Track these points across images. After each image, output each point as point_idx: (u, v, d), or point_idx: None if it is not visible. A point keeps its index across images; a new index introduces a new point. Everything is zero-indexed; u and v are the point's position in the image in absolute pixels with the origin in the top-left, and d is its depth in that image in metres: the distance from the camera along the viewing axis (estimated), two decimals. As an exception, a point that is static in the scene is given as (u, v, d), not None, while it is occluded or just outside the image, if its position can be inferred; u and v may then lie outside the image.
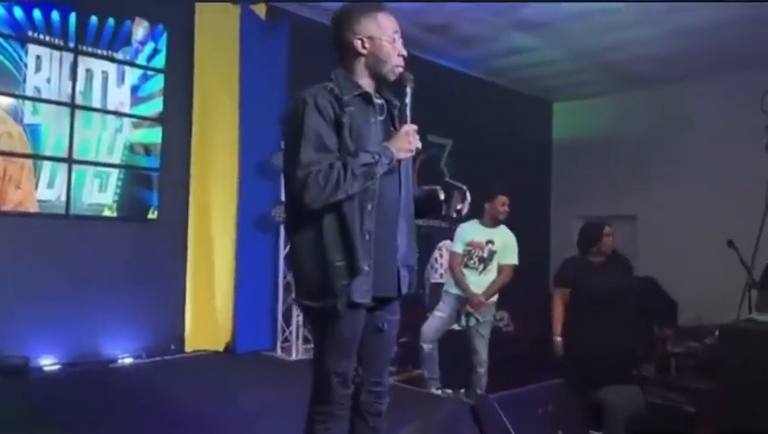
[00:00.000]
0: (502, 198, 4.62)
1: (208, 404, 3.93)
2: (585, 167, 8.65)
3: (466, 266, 4.64)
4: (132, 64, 5.08)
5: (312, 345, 5.55)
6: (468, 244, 4.66)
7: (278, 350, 5.50)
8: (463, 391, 4.61)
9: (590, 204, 8.50)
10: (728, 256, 6.13)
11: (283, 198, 5.50)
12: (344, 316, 1.91)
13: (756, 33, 6.10)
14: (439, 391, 4.50)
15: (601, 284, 4.04)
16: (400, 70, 2.04)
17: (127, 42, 5.04)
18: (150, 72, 5.18)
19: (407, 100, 2.04)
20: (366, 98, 2.02)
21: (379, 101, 2.05)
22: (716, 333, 3.86)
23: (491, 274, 4.61)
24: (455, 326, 4.70)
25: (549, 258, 8.87)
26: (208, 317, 5.35)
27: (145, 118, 5.16)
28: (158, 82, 5.21)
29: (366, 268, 1.90)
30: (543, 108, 9.21)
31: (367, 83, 2.04)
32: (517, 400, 2.74)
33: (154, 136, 5.21)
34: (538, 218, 8.97)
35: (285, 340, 5.54)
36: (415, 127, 2.00)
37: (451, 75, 7.61)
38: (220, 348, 5.39)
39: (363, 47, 2.02)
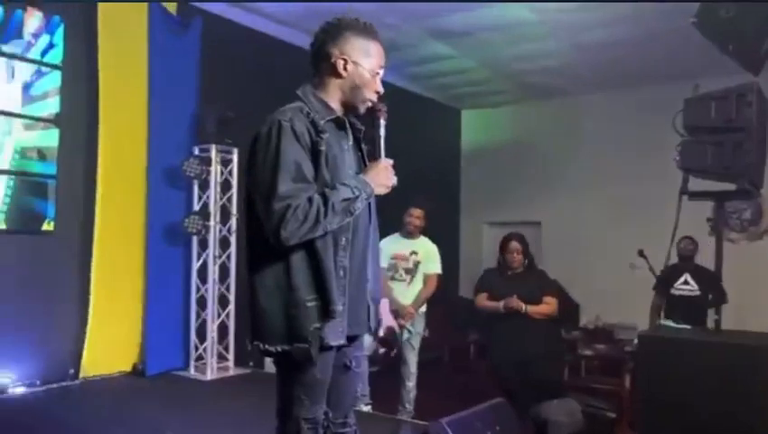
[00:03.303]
0: (412, 210, 4.64)
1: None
2: (492, 175, 8.90)
3: (393, 279, 4.60)
4: (23, 59, 4.54)
5: (227, 363, 5.32)
6: (392, 258, 4.64)
7: (192, 369, 5.16)
8: None
9: (498, 211, 8.77)
10: (625, 260, 6.57)
11: (196, 207, 5.28)
12: (316, 360, 1.75)
13: (660, 52, 6.48)
14: (368, 408, 4.41)
15: (510, 291, 4.22)
16: (370, 104, 1.92)
17: (18, 33, 4.50)
18: (45, 69, 4.66)
19: (381, 132, 1.93)
20: (339, 123, 1.88)
21: (348, 126, 1.94)
22: (635, 341, 4.05)
23: (417, 284, 4.62)
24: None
25: (459, 265, 9.04)
26: (113, 337, 4.90)
27: (39, 120, 4.64)
28: (54, 80, 4.70)
29: (340, 307, 1.75)
30: (452, 116, 9.35)
31: (336, 107, 1.90)
32: (466, 423, 2.70)
33: (50, 138, 4.69)
34: (448, 225, 9.09)
35: (199, 358, 5.21)
36: (391, 161, 1.90)
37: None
38: (127, 368, 4.98)
39: (344, 68, 1.86)
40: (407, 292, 4.55)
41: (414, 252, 4.65)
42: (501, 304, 4.26)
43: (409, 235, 4.66)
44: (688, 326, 4.08)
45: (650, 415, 3.62)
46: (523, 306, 4.21)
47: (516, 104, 8.83)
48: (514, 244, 4.39)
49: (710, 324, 4.77)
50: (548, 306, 4.33)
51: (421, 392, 4.62)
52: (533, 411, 3.68)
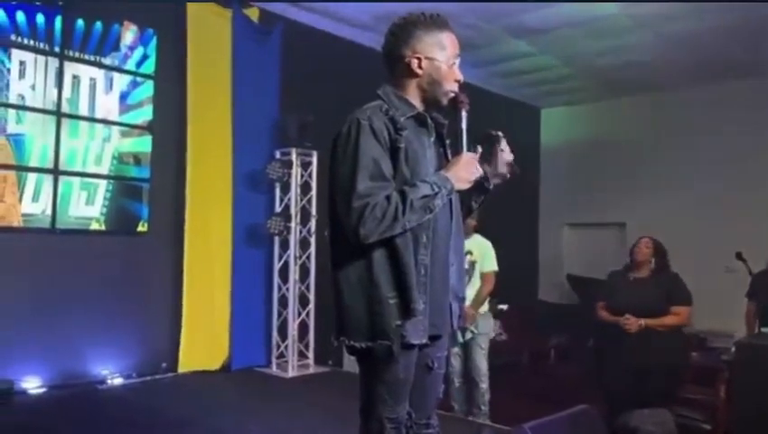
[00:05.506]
0: None
1: (206, 427, 3.76)
2: (573, 174, 8.63)
3: None
4: (120, 70, 4.85)
5: (307, 361, 5.43)
6: None
7: (273, 366, 5.31)
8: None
9: (579, 212, 8.51)
10: (720, 264, 6.20)
11: (278, 209, 5.44)
12: (399, 358, 1.74)
13: (751, 42, 6.13)
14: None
15: (630, 300, 3.90)
16: (453, 95, 1.87)
17: (116, 47, 4.82)
18: (139, 79, 4.95)
19: (463, 125, 1.87)
20: (420, 119, 1.85)
21: (429, 122, 1.90)
22: (732, 349, 3.81)
23: (476, 284, 4.52)
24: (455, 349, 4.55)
25: (539, 266, 8.84)
26: (203, 333, 5.13)
27: (134, 127, 4.94)
28: (148, 89, 5.00)
29: (422, 306, 1.74)
30: (531, 115, 9.16)
31: (417, 104, 1.87)
32: (550, 429, 2.64)
33: (144, 145, 4.99)
34: (527, 226, 8.91)
35: (281, 355, 5.37)
36: (474, 154, 1.85)
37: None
38: (217, 366, 5.17)
39: (419, 67, 1.84)
40: (466, 293, 4.47)
41: (469, 252, 4.55)
42: (620, 320, 3.87)
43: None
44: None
45: (748, 428, 3.41)
46: (641, 324, 3.81)
47: (598, 101, 8.53)
48: (644, 240, 4.06)
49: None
50: (676, 317, 3.90)
51: (497, 395, 4.53)
52: (622, 419, 3.50)
